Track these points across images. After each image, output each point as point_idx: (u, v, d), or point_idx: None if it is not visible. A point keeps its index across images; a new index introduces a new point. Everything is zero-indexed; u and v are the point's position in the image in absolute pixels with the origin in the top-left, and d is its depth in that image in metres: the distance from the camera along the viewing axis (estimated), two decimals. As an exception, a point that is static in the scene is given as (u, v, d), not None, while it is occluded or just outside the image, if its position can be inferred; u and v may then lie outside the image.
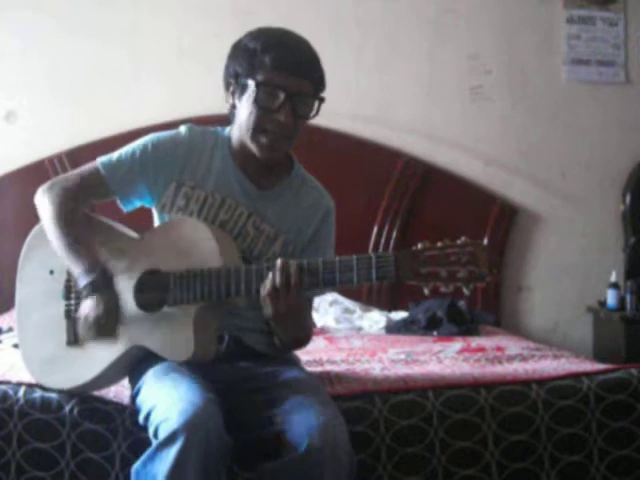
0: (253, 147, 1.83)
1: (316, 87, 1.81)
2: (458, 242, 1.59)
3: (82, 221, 1.87)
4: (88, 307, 1.77)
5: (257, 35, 1.82)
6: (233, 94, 1.84)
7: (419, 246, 1.60)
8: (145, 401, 1.69)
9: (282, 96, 1.76)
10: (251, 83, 1.77)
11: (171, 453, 1.53)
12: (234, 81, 1.82)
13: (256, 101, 1.77)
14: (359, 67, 3.80)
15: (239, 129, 1.85)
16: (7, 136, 3.73)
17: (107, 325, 1.76)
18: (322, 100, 1.82)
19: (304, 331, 1.87)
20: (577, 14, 3.84)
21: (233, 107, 1.85)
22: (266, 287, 1.68)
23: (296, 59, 1.78)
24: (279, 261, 1.68)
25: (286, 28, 1.86)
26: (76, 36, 3.72)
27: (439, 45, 3.83)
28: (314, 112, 1.82)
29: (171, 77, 3.75)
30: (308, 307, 1.90)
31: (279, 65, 1.75)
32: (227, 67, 1.85)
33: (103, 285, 1.76)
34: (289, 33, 1.84)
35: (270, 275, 1.68)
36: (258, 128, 1.80)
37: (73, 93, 3.73)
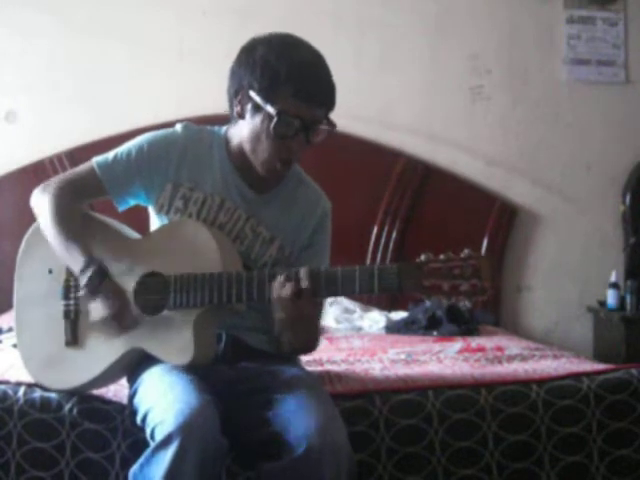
0: (262, 170, 1.82)
1: (328, 113, 1.80)
2: (462, 255, 1.59)
3: (79, 219, 1.86)
4: (100, 309, 1.75)
5: (280, 53, 1.75)
6: (242, 103, 1.80)
7: (422, 258, 1.60)
8: (142, 403, 1.69)
9: (298, 124, 1.75)
10: (271, 110, 1.74)
11: (167, 456, 1.53)
12: (246, 93, 1.78)
13: (275, 128, 1.75)
14: (359, 67, 3.80)
15: (242, 141, 1.83)
16: (7, 136, 3.73)
17: (123, 320, 1.75)
18: (334, 127, 1.80)
19: (313, 337, 1.85)
20: (577, 14, 3.84)
21: (240, 116, 1.82)
22: (277, 291, 1.67)
23: (317, 89, 1.76)
24: (303, 269, 1.67)
25: (304, 42, 1.81)
26: (76, 35, 3.73)
27: (439, 45, 3.83)
28: (323, 137, 1.81)
29: (172, 76, 3.75)
30: (318, 313, 1.87)
31: (301, 95, 1.73)
32: (239, 75, 1.79)
33: (98, 282, 1.73)
34: (312, 55, 1.79)
35: (281, 279, 1.67)
36: (274, 157, 1.79)
37: (73, 93, 3.73)
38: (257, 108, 1.77)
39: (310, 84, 1.74)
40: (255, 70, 1.76)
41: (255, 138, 1.79)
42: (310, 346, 1.88)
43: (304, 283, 1.66)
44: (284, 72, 1.73)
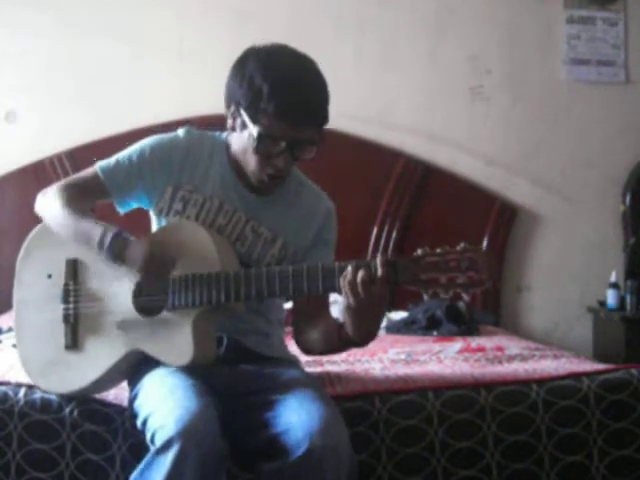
0: (253, 181, 1.84)
1: (319, 129, 1.79)
2: (458, 248, 1.59)
3: (87, 209, 1.86)
4: (135, 255, 1.71)
5: (265, 69, 1.74)
6: (233, 117, 1.81)
7: (419, 252, 1.60)
8: (142, 407, 1.69)
9: (283, 145, 1.75)
10: (253, 130, 1.75)
11: (167, 460, 1.52)
12: (235, 109, 1.79)
13: (257, 148, 1.76)
14: (359, 67, 3.80)
15: (236, 151, 1.85)
16: (7, 136, 3.73)
17: (165, 257, 1.72)
18: (322, 145, 1.79)
19: (375, 328, 1.73)
20: (577, 14, 3.84)
21: (232, 129, 1.84)
22: (349, 278, 1.61)
23: (301, 108, 1.73)
24: (380, 257, 1.61)
25: (294, 55, 1.79)
26: (76, 35, 3.73)
27: (439, 45, 3.83)
28: (313, 155, 1.80)
29: (172, 77, 3.75)
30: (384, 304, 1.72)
31: (283, 115, 1.72)
32: (232, 88, 1.81)
33: (121, 243, 1.71)
34: (299, 71, 1.77)
35: (351, 267, 1.62)
36: (262, 172, 1.80)
37: (73, 93, 3.73)
38: (244, 124, 1.78)
39: (294, 104, 1.72)
40: (242, 86, 1.76)
41: (243, 152, 1.82)
42: (370, 337, 1.74)
43: (380, 271, 1.59)
44: (267, 91, 1.72)
